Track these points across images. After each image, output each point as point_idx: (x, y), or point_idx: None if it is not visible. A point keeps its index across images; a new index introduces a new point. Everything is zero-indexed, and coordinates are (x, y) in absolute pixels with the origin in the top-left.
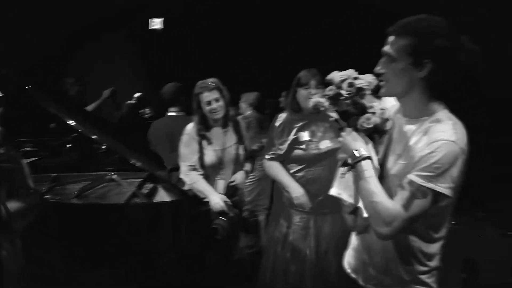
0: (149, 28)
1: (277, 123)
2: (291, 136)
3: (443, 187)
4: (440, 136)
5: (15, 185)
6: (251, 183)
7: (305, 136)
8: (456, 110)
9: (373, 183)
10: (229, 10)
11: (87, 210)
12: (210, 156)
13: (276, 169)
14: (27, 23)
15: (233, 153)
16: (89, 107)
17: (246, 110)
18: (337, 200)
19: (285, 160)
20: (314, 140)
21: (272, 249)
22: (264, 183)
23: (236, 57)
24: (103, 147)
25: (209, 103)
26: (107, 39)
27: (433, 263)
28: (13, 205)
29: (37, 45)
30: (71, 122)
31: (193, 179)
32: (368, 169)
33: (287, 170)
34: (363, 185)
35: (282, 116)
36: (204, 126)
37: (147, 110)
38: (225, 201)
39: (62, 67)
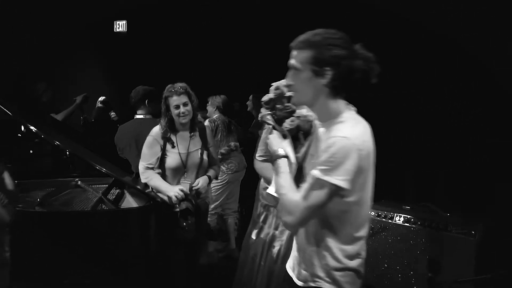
0: (114, 31)
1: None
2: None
3: (338, 179)
4: (335, 133)
5: None
6: (219, 186)
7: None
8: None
9: (283, 178)
10: (194, 10)
11: (51, 217)
12: (173, 159)
13: (264, 168)
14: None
15: (198, 157)
16: (61, 114)
17: (213, 113)
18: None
19: None
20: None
21: (258, 251)
22: (232, 186)
23: (202, 59)
24: (67, 152)
25: (177, 107)
26: (73, 43)
27: (351, 264)
28: None
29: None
30: (34, 129)
31: (148, 176)
32: (283, 166)
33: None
34: (276, 180)
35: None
36: (171, 129)
37: (113, 114)
38: (181, 189)
39: (25, 71)
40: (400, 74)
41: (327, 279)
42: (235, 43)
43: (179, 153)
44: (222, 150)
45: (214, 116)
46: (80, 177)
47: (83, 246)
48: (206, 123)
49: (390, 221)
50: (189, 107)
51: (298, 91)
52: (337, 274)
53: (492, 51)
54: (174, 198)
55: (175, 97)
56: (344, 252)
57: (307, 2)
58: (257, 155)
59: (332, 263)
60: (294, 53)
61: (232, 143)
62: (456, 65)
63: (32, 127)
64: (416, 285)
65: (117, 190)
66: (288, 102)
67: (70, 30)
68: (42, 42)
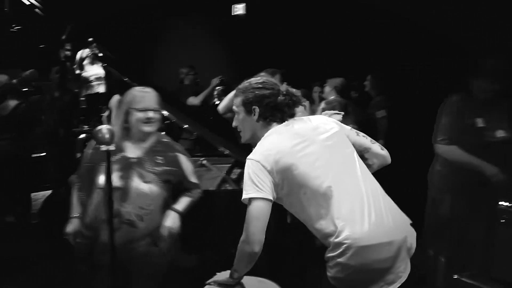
0: (232, 14)
1: (450, 107)
2: (466, 122)
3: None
4: None
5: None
6: None
7: (479, 122)
8: None
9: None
10: None
11: None
12: None
13: (456, 153)
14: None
15: None
16: (200, 96)
17: (329, 94)
18: None
19: (455, 143)
20: (489, 128)
21: None
22: None
23: (320, 40)
24: (194, 134)
25: None
26: (189, 25)
27: (329, 254)
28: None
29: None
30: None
31: None
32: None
33: None
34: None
35: (454, 100)
36: None
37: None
38: None
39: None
40: None
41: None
42: (354, 22)
43: None
44: None
45: (331, 98)
46: (205, 157)
47: (211, 224)
48: (323, 105)
49: None
50: None
51: (241, 130)
52: (328, 263)
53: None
54: None
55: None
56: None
57: None
58: (438, 138)
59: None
60: (235, 101)
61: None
62: None
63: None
64: None
65: (239, 170)
66: None
67: (189, 14)
68: (166, 28)
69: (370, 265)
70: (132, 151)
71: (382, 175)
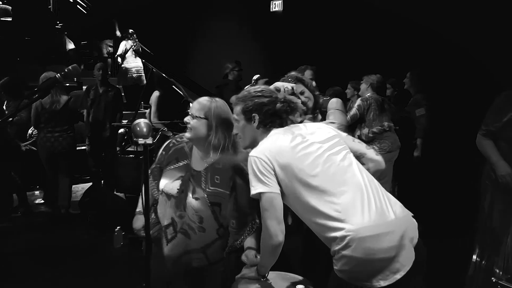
0: (271, 10)
1: (497, 100)
2: (509, 115)
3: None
4: None
5: None
6: None
7: None
8: None
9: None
10: None
11: None
12: None
13: (485, 145)
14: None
15: None
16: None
17: (365, 91)
18: None
19: (498, 138)
20: None
21: None
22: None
23: (356, 37)
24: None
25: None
26: (227, 21)
27: (334, 248)
28: None
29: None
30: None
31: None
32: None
33: (498, 148)
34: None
35: (502, 94)
36: None
37: None
38: None
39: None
40: None
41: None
42: (392, 18)
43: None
44: (375, 130)
45: (367, 95)
46: None
47: None
48: (359, 101)
49: None
50: (307, 94)
51: (242, 137)
52: (334, 257)
53: None
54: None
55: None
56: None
57: None
58: (480, 130)
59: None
60: (234, 109)
61: (386, 123)
62: None
63: None
64: None
65: None
66: None
67: (229, 11)
68: (204, 24)
69: (374, 255)
70: (198, 162)
71: (420, 174)
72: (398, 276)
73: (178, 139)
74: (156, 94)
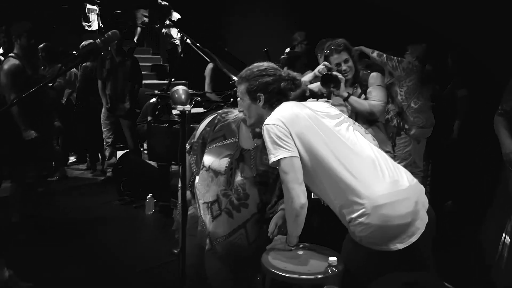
0: None
1: None
2: None
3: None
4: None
5: None
6: (403, 140)
7: None
8: None
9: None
10: None
11: None
12: None
13: (497, 125)
14: None
15: None
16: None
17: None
18: None
19: None
20: None
21: None
22: (415, 142)
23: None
24: None
25: (338, 64)
26: None
27: (350, 216)
28: None
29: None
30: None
31: None
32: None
33: None
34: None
35: None
36: None
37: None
38: None
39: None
40: None
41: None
42: None
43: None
44: (412, 104)
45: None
46: None
47: None
48: (401, 72)
49: None
50: (350, 63)
51: (247, 115)
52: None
53: None
54: None
55: (335, 55)
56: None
57: None
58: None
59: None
60: (238, 88)
61: (423, 97)
62: None
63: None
64: None
65: None
66: None
67: None
68: None
69: (391, 221)
70: (246, 141)
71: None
72: (414, 238)
73: (223, 115)
74: (210, 66)
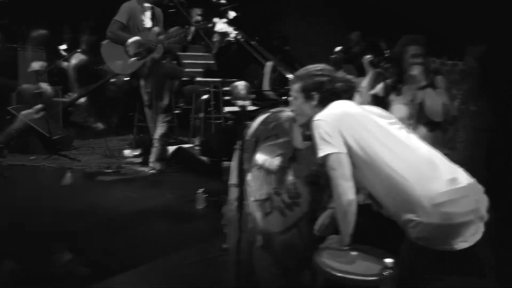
0: None
1: None
2: None
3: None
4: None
5: None
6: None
7: None
8: None
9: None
10: None
11: None
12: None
13: None
14: None
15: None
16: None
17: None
18: None
19: None
20: None
21: None
22: None
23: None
24: None
25: (414, 56)
26: None
27: (407, 217)
28: None
29: None
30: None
31: None
32: None
33: None
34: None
35: None
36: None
37: None
38: None
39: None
40: None
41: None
42: None
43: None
44: (471, 107)
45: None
46: None
47: None
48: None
49: None
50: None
51: (299, 114)
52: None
53: None
54: None
55: (414, 47)
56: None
57: None
58: None
59: None
60: (292, 86)
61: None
62: None
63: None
64: None
65: None
66: None
67: None
68: None
69: (452, 220)
70: (299, 140)
71: None
72: (478, 236)
73: (277, 114)
74: (269, 63)
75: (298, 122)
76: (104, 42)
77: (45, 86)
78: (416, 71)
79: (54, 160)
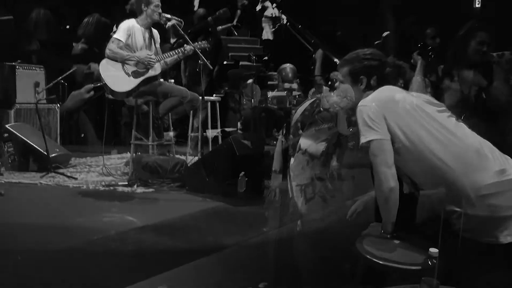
0: None
1: None
2: None
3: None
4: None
5: None
6: None
7: None
8: None
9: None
10: None
11: None
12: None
13: None
14: None
15: None
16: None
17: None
18: None
19: None
20: None
21: None
22: None
23: None
24: None
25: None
26: None
27: (451, 208)
28: None
29: None
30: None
31: None
32: None
33: None
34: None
35: None
36: None
37: None
38: None
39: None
40: None
41: None
42: None
43: None
44: None
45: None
46: None
47: None
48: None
49: None
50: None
51: (345, 97)
52: None
53: None
54: None
55: (482, 33)
56: None
57: None
58: None
59: None
60: (340, 70)
61: None
62: None
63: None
64: None
65: None
66: None
67: None
68: None
69: (499, 212)
70: (344, 127)
71: None
72: None
73: (322, 99)
74: (320, 50)
75: (343, 106)
76: (103, 60)
77: (96, 67)
78: (481, 58)
79: (51, 178)
